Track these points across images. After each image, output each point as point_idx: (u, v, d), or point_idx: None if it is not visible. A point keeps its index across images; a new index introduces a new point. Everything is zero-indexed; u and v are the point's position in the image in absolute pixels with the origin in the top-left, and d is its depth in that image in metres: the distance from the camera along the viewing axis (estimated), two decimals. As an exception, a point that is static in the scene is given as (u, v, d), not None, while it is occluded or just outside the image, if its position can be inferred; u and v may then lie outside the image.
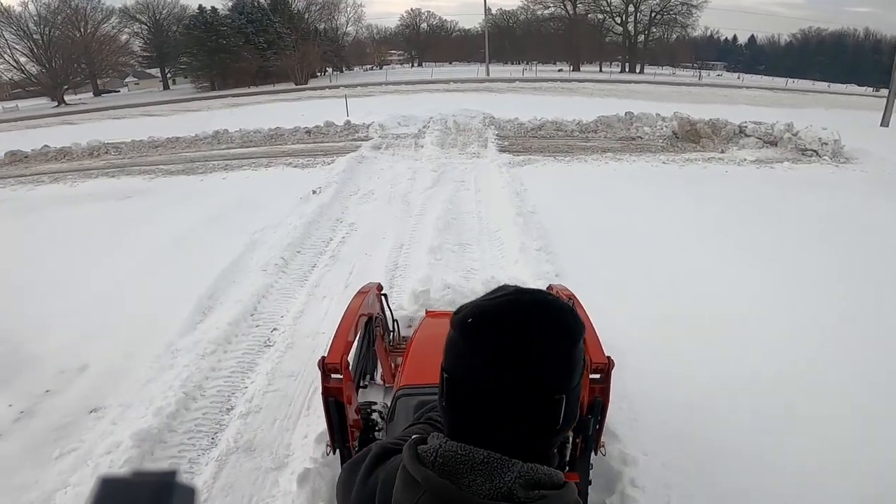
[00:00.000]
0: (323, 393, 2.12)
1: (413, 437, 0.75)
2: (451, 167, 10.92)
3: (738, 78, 60.61)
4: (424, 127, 16.50)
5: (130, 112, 28.43)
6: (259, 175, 11.02)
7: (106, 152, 15.78)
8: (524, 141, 14.45)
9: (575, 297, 2.64)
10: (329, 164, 11.55)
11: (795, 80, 56.10)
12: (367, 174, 10.60)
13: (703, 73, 66.94)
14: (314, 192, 9.04)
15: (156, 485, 0.43)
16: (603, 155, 12.45)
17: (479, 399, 0.69)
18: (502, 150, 13.09)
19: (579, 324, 0.72)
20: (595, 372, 2.10)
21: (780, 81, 56.12)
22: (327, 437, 2.26)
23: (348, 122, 16.46)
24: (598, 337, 2.21)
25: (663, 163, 11.58)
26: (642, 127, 15.40)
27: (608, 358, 2.11)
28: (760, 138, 13.52)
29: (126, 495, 0.42)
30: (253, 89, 42.33)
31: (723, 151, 13.01)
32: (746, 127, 13.93)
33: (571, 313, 0.72)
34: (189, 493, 0.45)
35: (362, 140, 15.02)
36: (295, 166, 11.66)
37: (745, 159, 11.99)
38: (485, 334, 0.68)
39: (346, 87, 32.88)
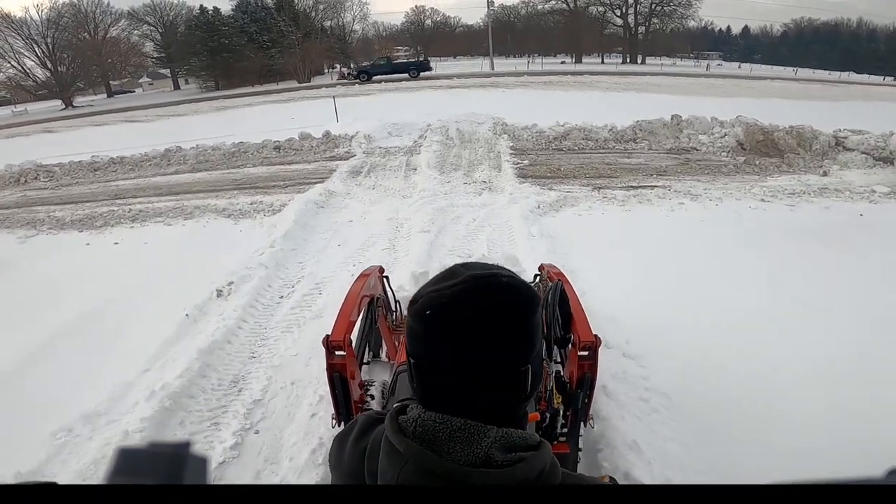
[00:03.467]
0: (328, 369, 1.99)
1: (395, 406, 0.72)
2: (453, 216, 6.57)
3: (739, 67, 55.15)
4: (421, 137, 12.09)
5: (114, 118, 24.03)
6: (168, 236, 6.69)
7: (35, 178, 11.56)
8: (549, 158, 10.01)
9: (563, 276, 2.49)
10: (278, 210, 7.21)
11: (798, 69, 50.40)
12: (323, 236, 6.25)
13: (703, 62, 61.49)
14: (219, 292, 4.75)
15: (171, 455, 0.41)
16: (663, 183, 8.03)
17: (447, 379, 0.65)
18: (523, 175, 8.70)
19: (534, 298, 0.67)
20: (583, 349, 1.94)
21: (780, 70, 50.75)
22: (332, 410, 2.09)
23: (327, 134, 12.04)
24: (585, 315, 2.09)
25: (762, 200, 7.13)
26: (696, 135, 10.90)
27: (595, 336, 1.95)
28: (868, 153, 9.02)
29: (143, 464, 0.40)
30: (257, 88, 37.70)
31: (825, 174, 8.53)
32: (846, 139, 9.42)
33: (525, 289, 0.66)
34: (201, 463, 0.42)
35: (340, 159, 10.65)
36: (230, 214, 7.30)
37: (874, 189, 7.51)
38: (443, 323, 0.64)
39: (343, 84, 28.29)
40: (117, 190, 9.72)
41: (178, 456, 0.41)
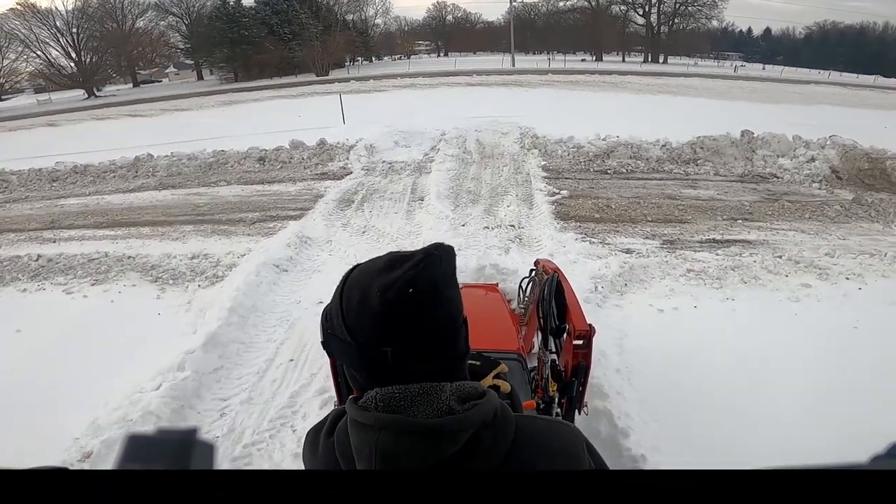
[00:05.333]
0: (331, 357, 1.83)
1: (350, 397, 0.68)
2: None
3: (763, 69, 51.06)
4: (433, 149, 9.61)
5: (120, 111, 21.84)
6: (54, 320, 4.29)
7: (-13, 187, 9.44)
8: (592, 185, 7.46)
9: (560, 270, 2.33)
10: (225, 274, 4.82)
11: (829, 73, 46.34)
12: (272, 335, 3.79)
13: (724, 63, 57.52)
14: None
15: (179, 441, 0.40)
16: (758, 236, 5.49)
17: (395, 357, 0.63)
18: (563, 215, 6.20)
19: (453, 267, 0.67)
20: (578, 339, 1.90)
21: (805, 72, 46.68)
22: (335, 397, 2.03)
23: (322, 143, 9.59)
24: (580, 306, 2.02)
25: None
26: (774, 158, 8.24)
27: (590, 325, 1.90)
28: None
29: (152, 450, 0.39)
30: (275, 80, 35.30)
31: (979, 225, 5.89)
32: None
33: (450, 249, 0.67)
34: (209, 449, 0.41)
35: (333, 177, 8.25)
36: (157, 277, 4.85)
37: None
38: (397, 307, 0.61)
39: (357, 80, 25.74)
40: (59, 213, 7.47)
41: (186, 442, 0.40)
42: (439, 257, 0.64)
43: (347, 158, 9.09)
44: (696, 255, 5.03)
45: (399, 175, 8.17)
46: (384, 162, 8.97)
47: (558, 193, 6.91)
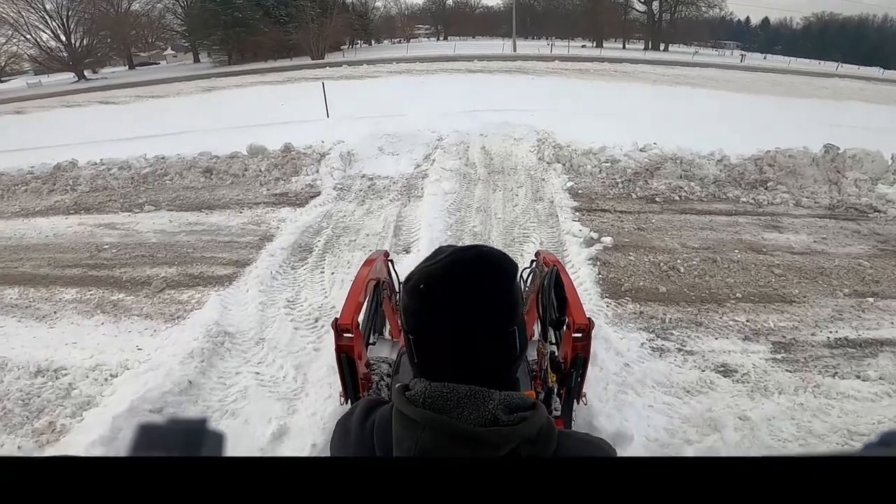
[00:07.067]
0: (336, 350, 1.81)
1: (397, 385, 0.65)
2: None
3: (765, 58, 48.15)
4: (427, 159, 7.33)
5: (92, 97, 19.17)
6: None
7: None
8: (642, 226, 5.18)
9: (559, 262, 2.13)
10: (60, 429, 2.62)
11: (838, 65, 43.42)
12: None
13: (724, 52, 54.40)
14: None
15: (189, 431, 0.39)
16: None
17: (445, 348, 0.61)
18: (613, 288, 3.97)
19: (513, 265, 0.65)
20: (577, 331, 1.81)
21: (806, 63, 43.88)
22: (340, 389, 1.90)
23: (288, 150, 7.25)
24: (580, 300, 1.95)
25: None
26: (869, 183, 6.00)
27: (589, 319, 1.82)
28: None
29: (163, 439, 0.39)
30: (270, 63, 32.38)
31: None
32: None
33: (505, 257, 0.64)
34: (218, 438, 0.40)
35: (294, 203, 5.96)
36: None
37: None
38: (437, 293, 0.61)
39: (350, 64, 22.98)
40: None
41: (197, 431, 0.39)
42: (462, 262, 0.61)
43: (317, 171, 6.79)
44: (841, 383, 2.86)
45: (381, 200, 5.91)
46: (364, 177, 6.69)
47: (598, 241, 4.68)
